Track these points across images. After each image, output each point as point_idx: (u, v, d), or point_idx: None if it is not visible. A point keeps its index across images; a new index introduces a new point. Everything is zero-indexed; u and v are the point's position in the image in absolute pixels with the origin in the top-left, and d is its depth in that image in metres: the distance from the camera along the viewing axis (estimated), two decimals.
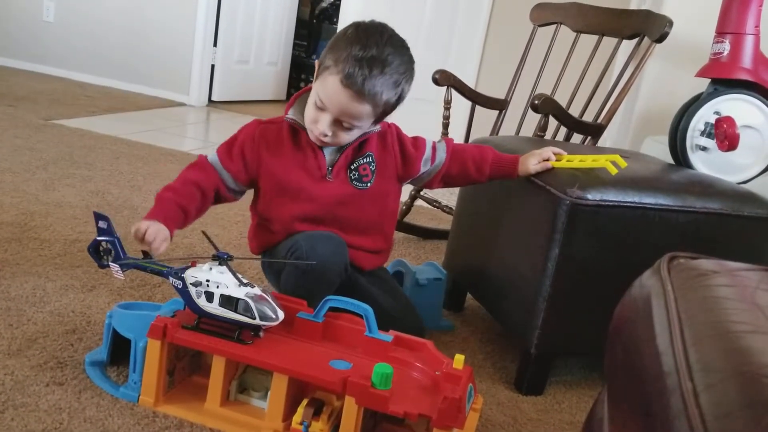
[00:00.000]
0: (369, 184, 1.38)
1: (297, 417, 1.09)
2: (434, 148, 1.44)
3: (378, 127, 1.37)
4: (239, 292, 1.11)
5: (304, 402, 1.10)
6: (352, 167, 1.37)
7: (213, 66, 4.62)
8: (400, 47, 1.28)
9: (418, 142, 1.44)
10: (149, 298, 1.53)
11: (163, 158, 2.90)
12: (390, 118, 1.39)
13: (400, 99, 1.31)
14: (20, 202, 2.04)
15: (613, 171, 1.31)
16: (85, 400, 1.13)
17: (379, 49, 1.24)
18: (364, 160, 1.38)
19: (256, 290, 1.12)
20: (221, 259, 1.14)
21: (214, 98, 4.69)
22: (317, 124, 1.28)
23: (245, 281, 1.13)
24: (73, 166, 2.53)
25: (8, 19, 4.73)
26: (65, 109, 3.63)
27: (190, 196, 1.32)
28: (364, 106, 1.25)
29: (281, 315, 1.12)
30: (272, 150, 1.36)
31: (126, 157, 2.80)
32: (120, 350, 1.21)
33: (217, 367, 1.14)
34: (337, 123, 1.27)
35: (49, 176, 2.35)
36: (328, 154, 1.36)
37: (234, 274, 1.13)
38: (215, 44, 4.58)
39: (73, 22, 4.62)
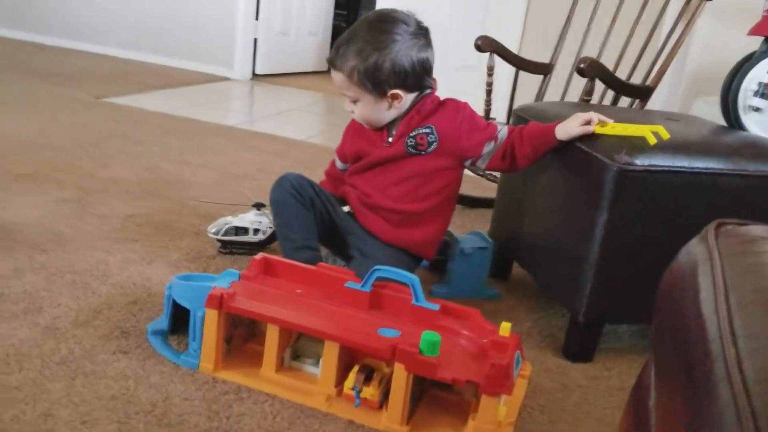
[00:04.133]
0: (424, 153, 1.47)
1: (348, 383, 1.13)
2: (499, 132, 1.49)
3: (406, 101, 1.46)
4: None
5: (355, 368, 1.14)
6: (411, 135, 1.47)
7: (255, 39, 4.66)
8: (378, 24, 1.43)
9: (489, 125, 1.50)
10: (205, 270, 1.59)
11: (211, 133, 2.96)
12: (442, 90, 1.51)
13: (378, 67, 1.40)
14: (77, 179, 2.12)
15: (652, 141, 1.29)
16: (149, 367, 1.19)
17: (351, 30, 1.45)
18: (424, 130, 1.47)
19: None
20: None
21: (257, 71, 4.74)
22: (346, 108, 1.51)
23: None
24: (125, 143, 2.61)
25: None
26: (115, 86, 3.72)
27: None
28: (338, 74, 1.45)
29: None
30: (355, 132, 1.59)
31: (175, 133, 2.87)
32: (180, 320, 1.27)
33: (272, 335, 1.18)
34: (350, 100, 1.48)
35: (103, 153, 2.43)
36: (394, 127, 1.51)
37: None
38: (257, 17, 4.61)
39: (120, 1, 4.70)
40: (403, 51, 1.41)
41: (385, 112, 1.47)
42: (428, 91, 1.49)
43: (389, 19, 1.43)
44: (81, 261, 1.56)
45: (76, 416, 1.03)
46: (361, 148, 1.55)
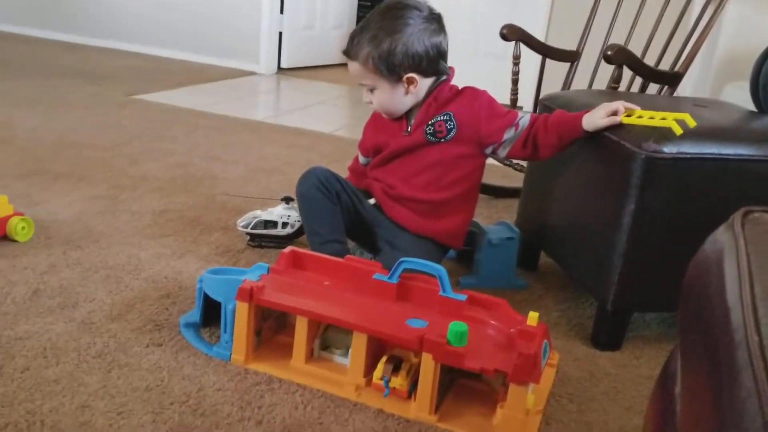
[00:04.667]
0: (443, 140, 1.48)
1: (377, 373, 1.14)
2: (520, 119, 1.48)
3: (422, 87, 1.46)
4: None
5: (384, 359, 1.15)
6: (430, 122, 1.48)
7: (280, 33, 4.68)
8: (390, 11, 1.45)
9: (509, 112, 1.49)
10: (234, 264, 1.61)
11: (239, 128, 2.99)
12: (459, 77, 1.51)
13: (391, 51, 1.42)
14: (110, 176, 2.16)
15: (678, 131, 1.27)
16: (182, 359, 1.21)
17: (364, 20, 1.48)
18: (442, 117, 1.48)
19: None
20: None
21: (283, 65, 4.77)
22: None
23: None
24: (155, 140, 2.65)
25: None
26: (144, 84, 3.77)
27: None
28: (353, 64, 1.48)
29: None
30: (375, 126, 1.61)
31: (203, 129, 2.90)
32: (211, 312, 1.29)
33: (301, 326, 1.20)
34: (367, 89, 1.50)
35: (134, 151, 2.48)
36: (412, 117, 1.52)
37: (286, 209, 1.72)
38: (282, 11, 4.63)
39: None
40: (416, 35, 1.42)
41: (402, 98, 1.48)
42: (444, 77, 1.50)
43: (401, 6, 1.45)
44: (114, 256, 1.59)
45: (112, 407, 1.06)
46: (381, 140, 1.56)
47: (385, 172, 1.55)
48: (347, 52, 1.48)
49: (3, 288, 1.40)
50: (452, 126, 1.47)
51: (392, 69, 1.44)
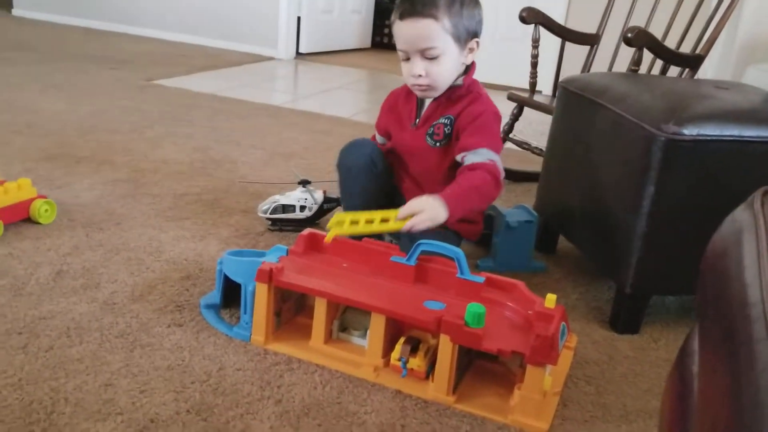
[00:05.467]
0: (438, 144, 1.45)
1: (395, 354, 1.15)
2: (477, 154, 1.37)
3: (459, 77, 1.41)
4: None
5: (402, 340, 1.16)
6: (434, 123, 1.45)
7: (299, 18, 4.68)
8: None
9: (474, 140, 1.37)
10: (254, 246, 1.63)
11: (257, 112, 3.00)
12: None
13: (470, 15, 1.35)
14: (131, 160, 2.19)
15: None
16: (203, 339, 1.23)
17: None
18: (443, 120, 1.44)
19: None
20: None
21: (301, 50, 4.76)
22: (411, 74, 1.39)
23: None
24: (175, 124, 2.67)
25: None
26: (164, 69, 3.80)
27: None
28: (426, 21, 1.32)
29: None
30: (389, 107, 1.57)
31: (223, 113, 2.92)
32: (231, 294, 1.31)
33: (320, 308, 1.21)
34: (425, 59, 1.37)
35: (154, 135, 2.50)
36: (424, 107, 1.47)
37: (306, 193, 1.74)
38: None
39: None
40: (480, 3, 1.40)
41: (458, 71, 1.41)
42: (467, 69, 1.45)
43: None
44: (135, 238, 1.61)
45: (135, 386, 1.08)
46: (391, 125, 1.54)
47: (401, 166, 1.54)
48: (412, 11, 1.33)
49: (27, 269, 1.42)
50: (449, 131, 1.43)
51: (467, 32, 1.37)
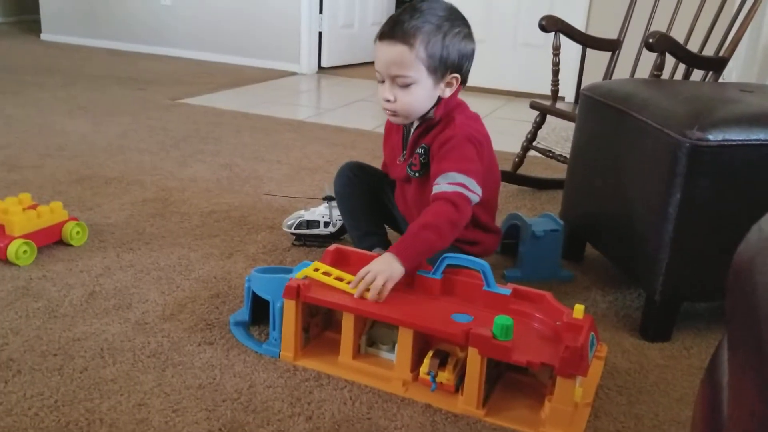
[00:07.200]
0: (417, 175, 1.42)
1: (424, 368, 1.15)
2: (445, 178, 1.32)
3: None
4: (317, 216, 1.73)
5: (430, 353, 1.16)
6: (414, 152, 1.43)
7: (320, 33, 4.72)
8: (451, 9, 1.34)
9: (443, 166, 1.33)
10: (281, 263, 1.64)
11: (281, 128, 3.03)
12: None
13: (450, 46, 1.30)
14: (159, 179, 2.22)
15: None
16: (233, 357, 1.25)
17: (411, 7, 1.31)
18: (419, 150, 1.41)
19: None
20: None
21: (323, 65, 4.80)
22: (382, 96, 1.36)
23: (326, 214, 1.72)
24: (201, 142, 2.71)
25: (131, 5, 5.05)
26: (188, 87, 3.85)
27: None
28: (400, 48, 1.28)
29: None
30: (385, 138, 1.57)
31: (247, 130, 2.95)
32: (260, 310, 1.32)
33: (347, 323, 1.22)
34: (393, 84, 1.33)
35: (181, 153, 2.54)
36: (409, 138, 1.45)
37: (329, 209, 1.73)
38: (321, 11, 4.67)
39: (188, 5, 4.86)
40: (469, 36, 1.35)
41: (431, 102, 1.35)
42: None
43: (455, 8, 1.36)
44: (165, 257, 1.64)
45: (167, 405, 1.10)
46: (387, 156, 1.57)
47: (401, 192, 1.54)
48: (390, 34, 1.29)
49: (61, 291, 1.45)
50: (425, 161, 1.39)
51: (445, 65, 1.31)
